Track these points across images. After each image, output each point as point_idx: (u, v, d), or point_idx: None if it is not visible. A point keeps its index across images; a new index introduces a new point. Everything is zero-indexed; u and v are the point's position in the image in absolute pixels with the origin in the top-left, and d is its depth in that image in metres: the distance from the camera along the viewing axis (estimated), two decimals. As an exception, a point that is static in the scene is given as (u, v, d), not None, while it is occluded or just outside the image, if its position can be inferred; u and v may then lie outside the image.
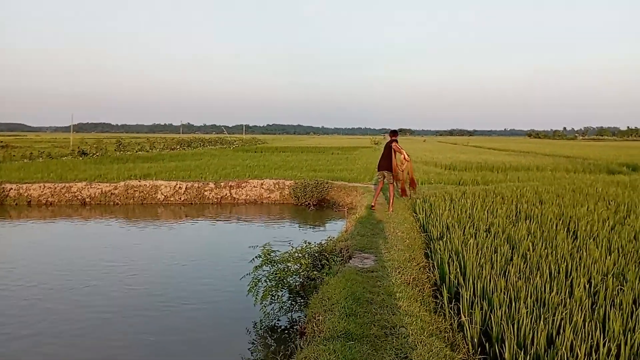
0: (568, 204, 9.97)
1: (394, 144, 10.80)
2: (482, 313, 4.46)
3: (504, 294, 4.72)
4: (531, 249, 6.29)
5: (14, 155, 27.16)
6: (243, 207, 15.98)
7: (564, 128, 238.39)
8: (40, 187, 15.82)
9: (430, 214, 9.66)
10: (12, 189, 15.65)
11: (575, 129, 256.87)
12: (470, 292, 4.93)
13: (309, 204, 15.67)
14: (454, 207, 10.04)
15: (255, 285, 6.04)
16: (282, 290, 6.19)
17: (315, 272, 6.08)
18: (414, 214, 10.52)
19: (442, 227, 8.18)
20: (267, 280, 6.10)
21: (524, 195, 11.53)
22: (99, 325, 6.19)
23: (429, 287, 5.79)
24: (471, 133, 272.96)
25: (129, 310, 6.70)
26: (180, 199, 16.27)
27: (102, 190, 15.99)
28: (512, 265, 5.60)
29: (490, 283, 5.02)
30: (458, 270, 5.56)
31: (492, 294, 4.76)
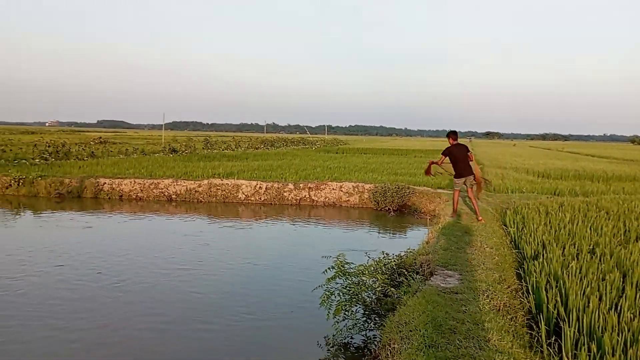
0: (690, 224, 8.67)
1: (456, 147, 10.17)
2: (589, 357, 3.78)
3: (618, 334, 3.99)
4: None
5: (111, 151, 28.97)
6: (322, 209, 15.76)
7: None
8: (131, 182, 16.59)
9: (522, 228, 8.81)
10: (105, 183, 16.55)
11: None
12: (574, 328, 4.23)
13: (388, 209, 15.12)
14: (550, 221, 9.09)
15: (328, 299, 5.68)
16: (356, 305, 5.78)
17: (392, 289, 5.61)
18: (504, 227, 9.68)
19: (537, 244, 7.36)
20: (340, 294, 5.72)
21: (632, 211, 10.25)
22: (149, 338, 5.91)
23: (522, 316, 5.12)
24: (566, 138, 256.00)
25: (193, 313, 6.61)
26: (260, 198, 16.36)
27: (187, 188, 16.47)
28: (626, 298, 4.79)
29: (599, 319, 4.28)
30: (558, 299, 4.85)
31: (602, 334, 4.04)
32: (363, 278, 5.79)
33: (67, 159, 22.85)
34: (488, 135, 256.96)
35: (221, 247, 10.52)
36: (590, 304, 4.52)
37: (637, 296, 4.81)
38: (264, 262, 9.30)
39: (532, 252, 7.07)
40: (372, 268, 5.79)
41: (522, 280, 6.17)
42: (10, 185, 16.67)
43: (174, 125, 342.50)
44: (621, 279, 5.40)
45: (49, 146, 25.27)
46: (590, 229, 8.25)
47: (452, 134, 10.38)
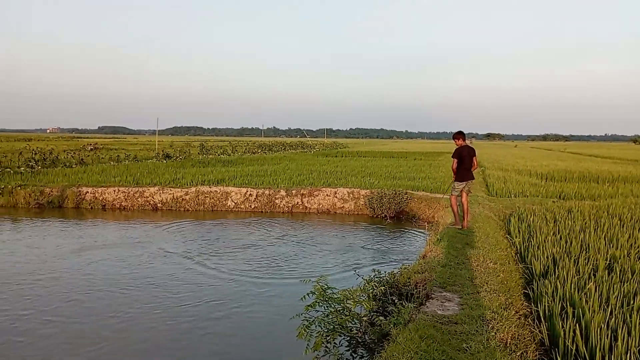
0: None
1: (466, 149, 9.44)
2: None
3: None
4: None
5: (102, 158, 28.20)
6: (315, 216, 14.95)
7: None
8: (114, 191, 15.81)
9: (529, 238, 8.01)
10: (88, 192, 15.76)
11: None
12: (600, 374, 3.43)
13: (385, 216, 14.32)
14: (559, 231, 8.29)
15: (307, 329, 4.88)
16: (341, 336, 4.97)
17: (381, 318, 4.81)
18: (508, 236, 8.88)
19: (547, 258, 6.56)
20: (322, 324, 4.92)
21: (647, 217, 9.45)
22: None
23: (534, 350, 4.32)
24: (567, 138, 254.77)
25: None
26: (250, 206, 15.57)
27: (173, 196, 15.69)
28: (659, 331, 3.99)
29: (631, 362, 3.49)
30: (577, 331, 4.04)
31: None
32: (348, 304, 4.99)
33: (55, 167, 22.09)
34: (489, 136, 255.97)
35: (187, 266, 9.70)
36: (618, 341, 3.72)
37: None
38: (241, 283, 8.48)
39: (542, 267, 6.27)
40: (358, 293, 4.98)
41: (532, 303, 5.37)
42: (-12, 195, 15.90)
43: (174, 130, 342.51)
44: (650, 305, 4.59)
45: (35, 153, 24.51)
46: (605, 239, 7.45)
47: (460, 135, 9.66)
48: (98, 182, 16.86)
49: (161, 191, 15.77)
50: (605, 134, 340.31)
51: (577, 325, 4.18)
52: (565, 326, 4.16)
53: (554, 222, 9.16)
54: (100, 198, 15.68)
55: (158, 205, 15.63)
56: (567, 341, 3.98)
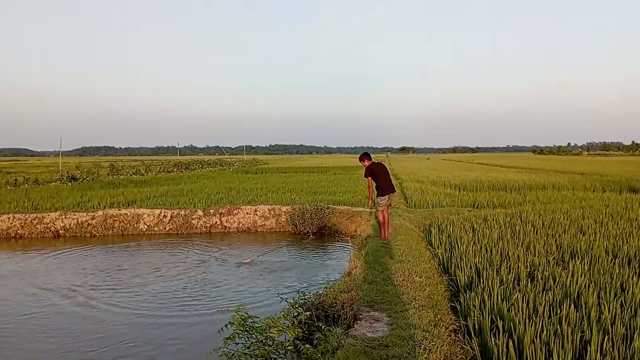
0: (616, 234, 8.31)
1: (376, 165, 9.52)
2: None
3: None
4: (605, 309, 4.60)
5: (-4, 182, 25.62)
6: (235, 236, 14.32)
7: (568, 144, 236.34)
8: (9, 218, 14.21)
9: (451, 249, 8.01)
10: (-23, 220, 14.05)
11: (579, 145, 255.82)
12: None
13: (308, 232, 14.01)
14: (478, 240, 8.39)
15: (226, 366, 4.37)
16: (264, 369, 4.51)
17: (307, 346, 4.41)
18: (430, 248, 8.87)
19: (470, 268, 6.52)
20: (243, 358, 4.44)
21: (556, 223, 9.87)
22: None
23: (467, 369, 4.13)
24: (474, 150, 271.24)
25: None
26: (165, 228, 14.62)
27: (77, 221, 14.37)
28: (590, 342, 3.92)
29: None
30: (511, 347, 3.89)
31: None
32: (271, 333, 4.55)
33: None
34: (403, 150, 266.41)
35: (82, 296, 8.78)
36: (553, 357, 3.59)
37: (605, 340, 3.94)
38: (149, 316, 7.70)
39: (466, 279, 6.21)
40: (282, 320, 4.56)
41: (461, 316, 5.23)
42: None
43: (83, 151, 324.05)
44: (575, 312, 4.57)
45: None
46: (522, 246, 7.60)
47: (365, 156, 9.81)
48: (-10, 209, 15.12)
49: (63, 216, 14.39)
50: (508, 145, 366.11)
51: (509, 340, 4.03)
52: (497, 342, 4.01)
53: (473, 231, 9.29)
54: (-8, 227, 14.01)
55: (60, 232, 14.23)
56: (501, 358, 3.80)
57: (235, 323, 4.55)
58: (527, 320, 4.29)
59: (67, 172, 30.57)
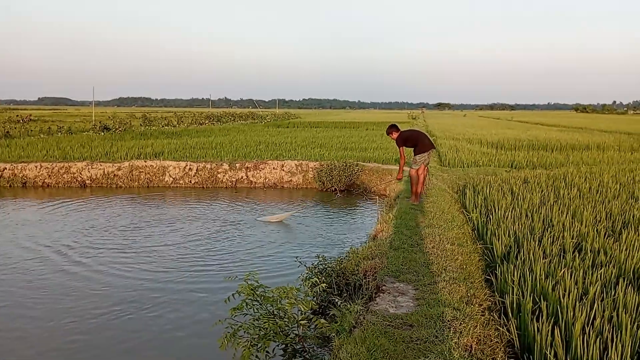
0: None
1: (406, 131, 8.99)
2: None
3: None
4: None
5: (31, 131, 25.92)
6: (260, 191, 13.98)
7: (614, 102, 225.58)
8: (36, 167, 14.20)
9: (487, 213, 7.37)
10: (6, 168, 14.09)
11: (624, 103, 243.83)
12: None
13: (335, 189, 13.52)
14: (518, 204, 7.70)
15: (232, 337, 3.98)
16: (275, 342, 4.11)
17: (322, 321, 3.97)
18: (464, 211, 8.24)
19: (508, 237, 5.90)
20: (251, 330, 4.03)
21: (604, 187, 9.05)
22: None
23: (502, 353, 3.60)
24: (513, 107, 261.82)
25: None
26: (190, 181, 14.38)
27: (104, 171, 14.26)
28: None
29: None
30: (557, 335, 3.33)
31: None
32: (283, 305, 4.11)
33: (-27, 141, 19.92)
34: (439, 106, 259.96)
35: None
36: (610, 351, 3.02)
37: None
38: (163, 278, 7.45)
39: (503, 248, 5.60)
40: (295, 291, 4.11)
41: (496, 292, 4.68)
42: None
43: (120, 102, 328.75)
44: (636, 294, 3.93)
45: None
46: (568, 213, 6.89)
47: (392, 128, 9.12)
48: (20, 157, 15.18)
49: (90, 166, 14.29)
50: (548, 103, 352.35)
51: (554, 326, 3.47)
52: (540, 327, 3.45)
53: (512, 194, 8.59)
54: (20, 175, 14.04)
55: (87, 182, 14.18)
56: (545, 349, 3.25)
57: (244, 292, 4.12)
58: (576, 302, 3.70)
59: (100, 122, 30.73)
